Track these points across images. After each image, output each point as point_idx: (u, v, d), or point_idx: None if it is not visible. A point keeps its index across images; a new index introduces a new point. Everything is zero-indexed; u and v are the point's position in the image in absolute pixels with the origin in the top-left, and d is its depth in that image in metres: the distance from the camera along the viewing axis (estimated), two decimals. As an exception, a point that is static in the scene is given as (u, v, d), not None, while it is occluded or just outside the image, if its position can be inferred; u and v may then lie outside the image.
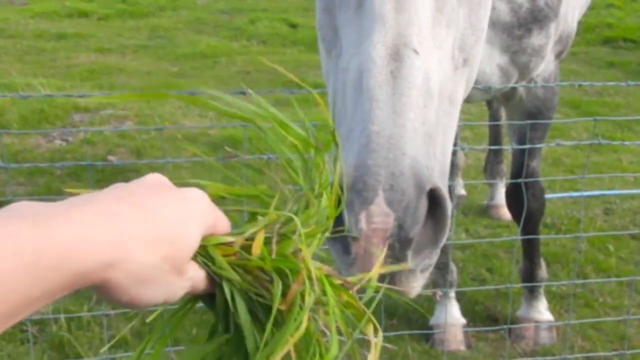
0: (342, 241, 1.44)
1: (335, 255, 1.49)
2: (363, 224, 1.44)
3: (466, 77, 1.79)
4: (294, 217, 1.04)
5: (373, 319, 1.04)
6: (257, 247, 0.98)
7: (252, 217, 1.07)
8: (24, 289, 0.74)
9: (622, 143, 3.71)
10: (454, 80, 1.71)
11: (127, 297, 0.85)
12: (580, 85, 2.58)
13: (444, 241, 1.54)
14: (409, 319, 3.79)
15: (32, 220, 0.76)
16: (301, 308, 0.96)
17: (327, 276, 1.01)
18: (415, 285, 1.56)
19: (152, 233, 0.85)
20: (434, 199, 1.50)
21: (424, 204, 1.47)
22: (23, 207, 0.79)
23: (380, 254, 1.40)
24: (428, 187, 1.48)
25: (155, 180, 0.94)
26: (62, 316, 3.53)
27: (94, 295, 3.69)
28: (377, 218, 1.45)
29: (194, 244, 0.91)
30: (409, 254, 1.46)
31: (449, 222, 1.54)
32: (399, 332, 3.06)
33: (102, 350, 3.35)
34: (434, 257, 1.57)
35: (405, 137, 1.51)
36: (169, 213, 0.88)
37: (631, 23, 10.65)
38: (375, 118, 1.52)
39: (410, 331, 3.56)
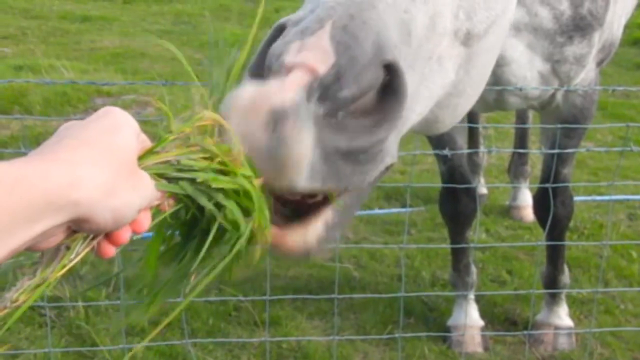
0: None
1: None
2: (290, 55, 1.17)
3: (461, 63, 1.53)
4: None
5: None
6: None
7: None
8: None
9: (654, 151, 3.63)
10: (449, 47, 1.48)
11: (110, 212, 0.95)
12: (614, 91, 2.52)
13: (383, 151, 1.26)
14: (426, 319, 3.76)
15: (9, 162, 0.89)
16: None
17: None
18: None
19: (94, 152, 0.96)
20: (391, 85, 1.22)
21: (377, 73, 1.19)
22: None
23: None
24: (389, 57, 1.22)
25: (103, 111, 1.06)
26: (80, 304, 3.53)
27: (112, 282, 3.70)
28: (310, 52, 1.16)
29: (131, 143, 1.02)
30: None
31: (401, 109, 1.25)
32: (416, 333, 3.03)
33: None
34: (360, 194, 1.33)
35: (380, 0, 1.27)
36: (99, 132, 0.99)
37: (661, 24, 10.49)
38: None
39: (428, 332, 3.53)
